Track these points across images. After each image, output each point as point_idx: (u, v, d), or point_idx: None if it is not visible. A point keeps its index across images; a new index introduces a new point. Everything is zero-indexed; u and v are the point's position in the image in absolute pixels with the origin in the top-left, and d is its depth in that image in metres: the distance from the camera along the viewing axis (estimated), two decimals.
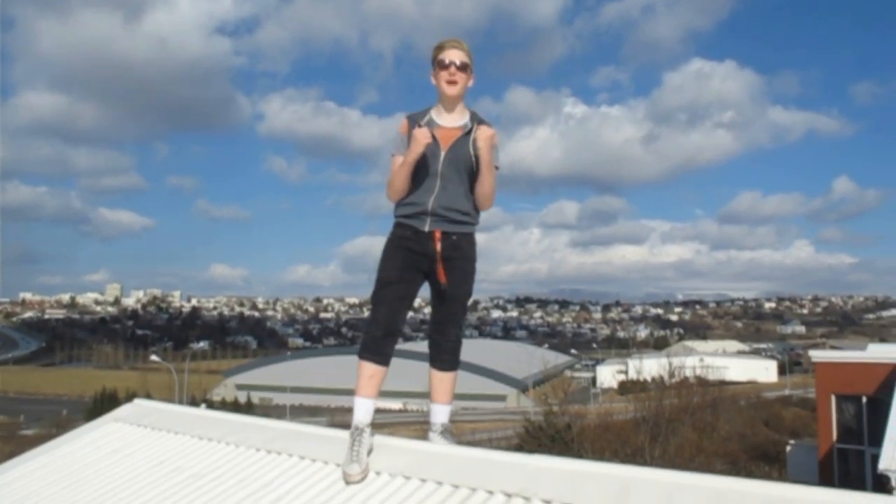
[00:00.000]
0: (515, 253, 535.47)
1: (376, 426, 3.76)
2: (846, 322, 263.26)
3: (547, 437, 23.45)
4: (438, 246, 3.64)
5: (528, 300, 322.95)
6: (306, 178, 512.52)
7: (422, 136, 3.54)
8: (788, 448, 22.16)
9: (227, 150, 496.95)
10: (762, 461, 29.84)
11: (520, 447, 23.77)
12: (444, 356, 3.85)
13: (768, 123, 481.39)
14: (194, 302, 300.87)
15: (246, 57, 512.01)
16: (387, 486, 3.40)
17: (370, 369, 3.68)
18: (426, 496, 3.24)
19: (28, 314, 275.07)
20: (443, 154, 3.65)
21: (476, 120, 3.76)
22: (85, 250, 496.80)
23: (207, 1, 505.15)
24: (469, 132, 3.70)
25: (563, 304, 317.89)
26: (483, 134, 3.61)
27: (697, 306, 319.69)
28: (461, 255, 3.73)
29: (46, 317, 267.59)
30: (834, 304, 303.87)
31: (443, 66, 3.67)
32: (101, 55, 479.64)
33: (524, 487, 3.06)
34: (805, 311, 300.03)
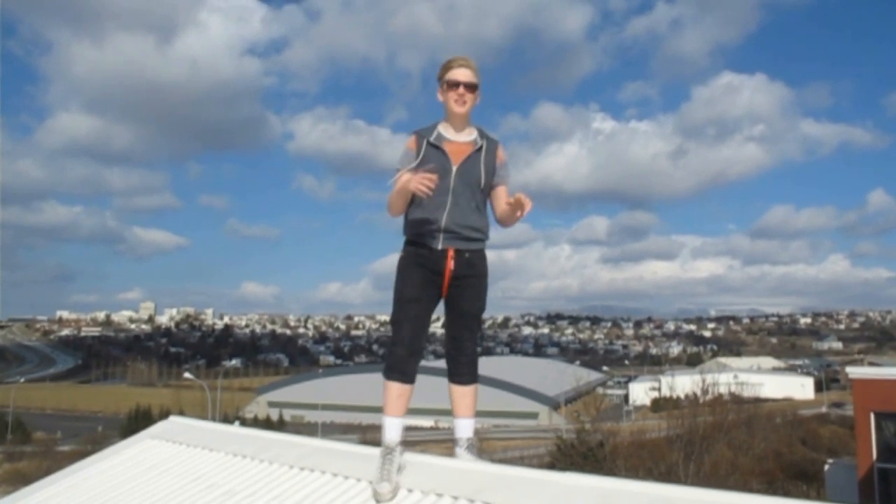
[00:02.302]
0: (546, 269, 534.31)
1: (408, 444, 3.77)
2: (884, 338, 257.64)
3: (579, 454, 23.25)
4: (452, 264, 3.65)
5: (559, 317, 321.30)
6: (336, 196, 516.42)
7: (409, 181, 3.47)
8: (826, 467, 21.68)
9: (258, 169, 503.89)
10: (799, 480, 29.25)
11: (552, 465, 23.58)
12: (463, 370, 3.84)
13: (800, 136, 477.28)
14: (226, 320, 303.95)
15: (276, 77, 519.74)
16: (419, 503, 3.40)
17: (397, 389, 3.69)
18: None
19: (65, 332, 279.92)
20: (454, 169, 3.65)
21: (485, 137, 3.78)
22: (119, 269, 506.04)
23: (237, 23, 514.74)
24: (480, 148, 3.72)
25: (595, 321, 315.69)
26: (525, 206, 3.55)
27: (731, 322, 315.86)
28: (475, 273, 3.73)
29: (82, 334, 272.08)
30: (871, 320, 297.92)
31: (452, 86, 3.69)
32: (135, 77, 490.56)
33: None
34: (842, 326, 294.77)
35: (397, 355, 3.69)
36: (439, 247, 3.65)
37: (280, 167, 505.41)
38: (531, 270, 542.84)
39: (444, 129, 3.76)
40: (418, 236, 3.69)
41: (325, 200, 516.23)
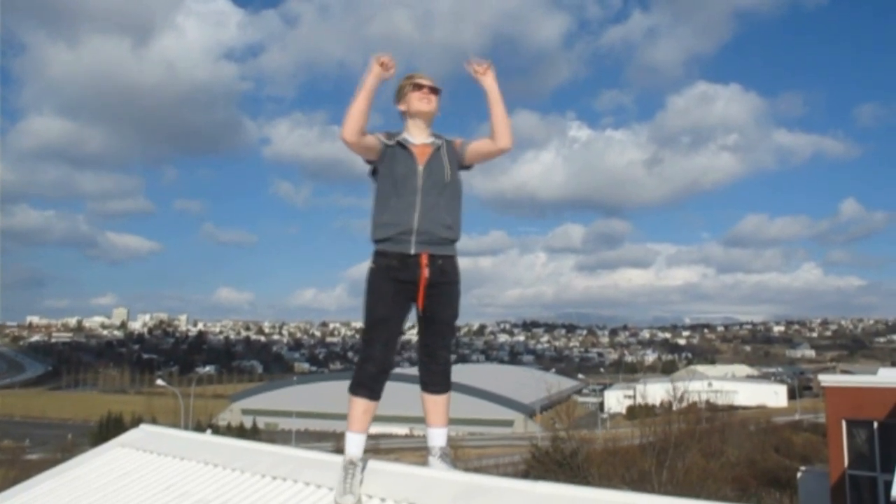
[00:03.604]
0: (521, 277, 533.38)
1: (383, 451, 3.76)
2: (856, 345, 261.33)
3: (554, 462, 23.30)
4: (426, 272, 3.63)
5: (535, 324, 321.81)
6: (312, 202, 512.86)
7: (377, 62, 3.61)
8: (799, 474, 21.91)
9: (234, 174, 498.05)
10: (773, 487, 29.53)
11: (527, 473, 23.64)
12: (437, 379, 3.83)
13: (773, 146, 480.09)
14: (200, 326, 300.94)
15: (252, 82, 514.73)
16: None
17: (364, 405, 3.66)
18: None
19: (35, 338, 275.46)
20: (420, 169, 3.69)
21: (442, 138, 3.87)
22: (92, 274, 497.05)
23: (214, 27, 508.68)
24: (440, 148, 3.79)
25: (570, 329, 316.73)
26: (484, 68, 3.75)
27: (705, 330, 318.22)
28: (447, 280, 3.73)
29: (53, 340, 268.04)
30: (844, 328, 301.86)
31: (417, 87, 3.82)
32: (110, 80, 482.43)
33: None
34: (814, 334, 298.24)
35: (368, 372, 3.65)
36: (412, 251, 3.62)
37: (256, 172, 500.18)
38: (507, 278, 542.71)
39: (407, 135, 3.83)
40: (389, 242, 3.65)
41: (300, 206, 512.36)
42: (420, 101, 3.80)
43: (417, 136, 3.82)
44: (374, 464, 3.84)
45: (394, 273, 3.62)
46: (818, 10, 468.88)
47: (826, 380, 19.31)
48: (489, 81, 3.75)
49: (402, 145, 3.75)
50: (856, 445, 17.21)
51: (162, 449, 5.05)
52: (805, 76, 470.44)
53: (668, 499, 2.94)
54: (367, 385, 3.65)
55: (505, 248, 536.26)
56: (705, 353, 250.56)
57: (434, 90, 3.85)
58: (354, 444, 3.64)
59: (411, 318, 3.84)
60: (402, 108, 3.87)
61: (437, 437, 3.86)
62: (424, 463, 3.90)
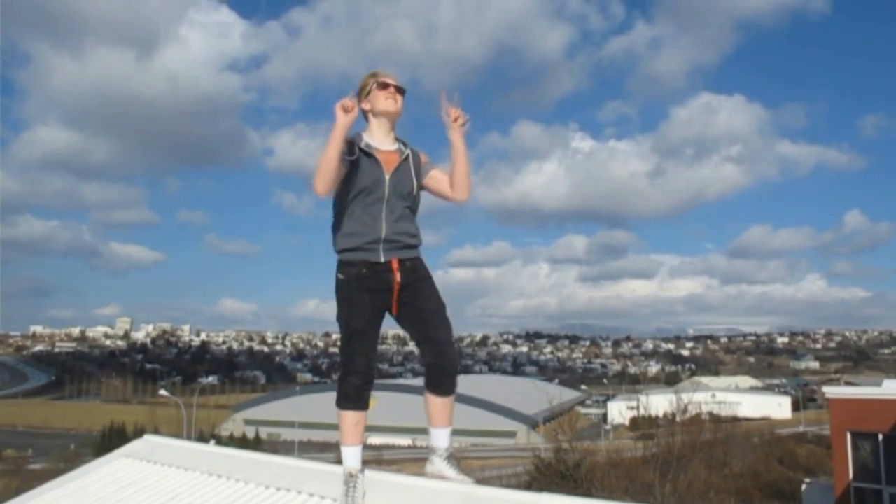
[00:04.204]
0: (525, 288, 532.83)
1: (385, 463, 3.75)
2: (861, 357, 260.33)
3: (557, 474, 23.19)
4: (398, 276, 3.57)
5: (538, 335, 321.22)
6: (315, 213, 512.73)
7: (343, 109, 3.41)
8: (804, 487, 21.80)
9: (237, 185, 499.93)
10: (777, 499, 29.42)
11: (530, 484, 23.55)
12: (447, 381, 3.70)
13: (777, 157, 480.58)
14: (203, 336, 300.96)
15: (256, 93, 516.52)
16: None
17: (354, 417, 3.63)
18: None
19: (38, 347, 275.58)
20: (387, 178, 3.58)
21: (408, 146, 3.75)
22: (95, 284, 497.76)
23: (217, 38, 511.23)
24: (407, 157, 3.68)
25: (574, 340, 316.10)
26: (460, 117, 3.58)
27: (709, 341, 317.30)
28: (420, 276, 3.66)
29: (56, 350, 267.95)
30: (848, 339, 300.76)
31: (383, 86, 3.69)
32: (114, 91, 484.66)
33: None
34: (818, 345, 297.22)
35: (353, 385, 3.60)
36: (382, 259, 3.55)
37: (259, 183, 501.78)
38: (510, 288, 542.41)
39: (369, 138, 3.69)
40: (356, 251, 3.57)
41: (304, 216, 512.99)
42: (386, 102, 3.67)
43: (382, 139, 3.70)
44: (377, 475, 3.83)
45: (367, 283, 3.56)
46: (821, 20, 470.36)
47: (830, 391, 19.28)
48: (458, 136, 3.61)
49: (367, 153, 3.61)
50: (861, 458, 17.14)
51: (165, 459, 5.05)
52: (809, 87, 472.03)
53: None
54: (354, 397, 3.61)
55: (508, 258, 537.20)
56: (709, 365, 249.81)
57: (399, 90, 3.73)
58: (352, 456, 3.61)
59: (394, 328, 3.80)
60: (365, 107, 3.73)
61: (443, 437, 3.79)
62: (429, 473, 3.86)
